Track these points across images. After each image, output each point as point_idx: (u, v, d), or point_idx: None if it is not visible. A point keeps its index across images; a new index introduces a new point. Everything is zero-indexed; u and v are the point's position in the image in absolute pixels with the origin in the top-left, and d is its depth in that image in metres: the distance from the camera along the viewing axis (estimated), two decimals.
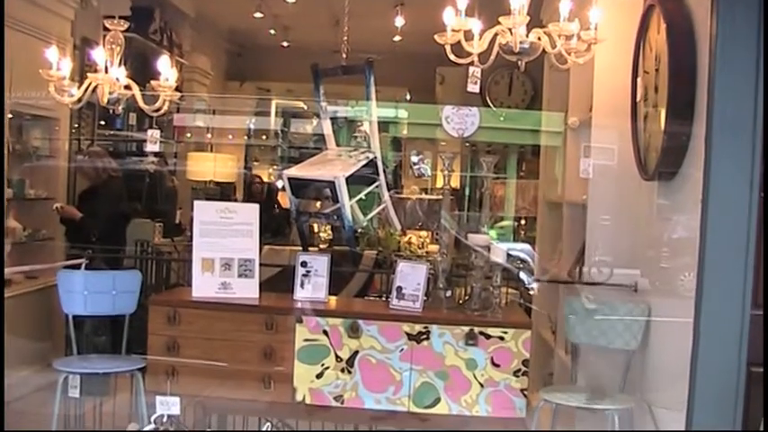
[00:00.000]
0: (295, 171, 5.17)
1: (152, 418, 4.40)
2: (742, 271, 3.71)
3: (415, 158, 9.40)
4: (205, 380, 4.70)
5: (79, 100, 4.98)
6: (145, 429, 4.46)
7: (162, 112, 5.21)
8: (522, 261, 5.33)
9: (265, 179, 10.00)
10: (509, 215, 7.98)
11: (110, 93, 4.93)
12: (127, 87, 5.08)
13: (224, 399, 4.82)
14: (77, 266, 5.56)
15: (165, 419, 4.43)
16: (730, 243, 3.73)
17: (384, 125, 7.03)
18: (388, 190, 5.36)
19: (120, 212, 6.92)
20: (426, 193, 7.92)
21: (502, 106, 8.57)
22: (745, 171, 3.68)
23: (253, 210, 5.07)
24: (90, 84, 4.91)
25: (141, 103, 5.12)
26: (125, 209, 7.08)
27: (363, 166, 5.08)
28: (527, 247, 5.83)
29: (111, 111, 5.59)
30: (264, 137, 10.06)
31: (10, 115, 6.19)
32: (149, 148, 5.69)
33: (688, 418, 3.84)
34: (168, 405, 4.38)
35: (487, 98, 8.60)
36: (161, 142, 7.21)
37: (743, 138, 3.65)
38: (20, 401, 5.51)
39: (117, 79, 4.94)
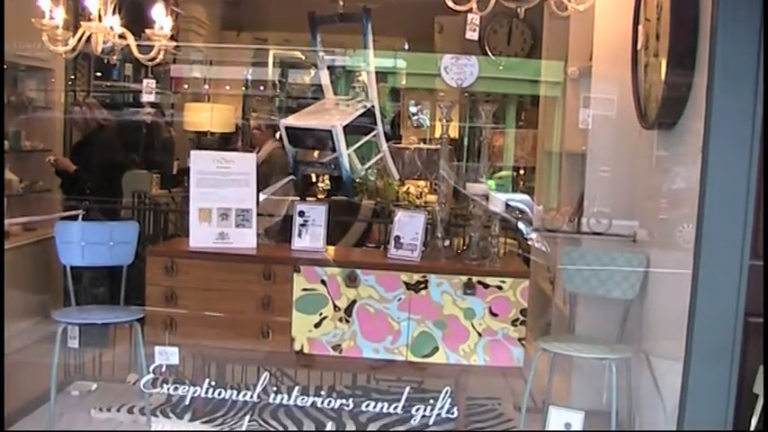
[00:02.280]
0: (292, 120, 5.13)
1: (151, 368, 4.43)
2: (741, 221, 3.70)
3: (413, 109, 9.35)
4: (203, 330, 4.70)
5: (73, 49, 4.93)
6: (144, 379, 4.49)
7: (157, 61, 5.15)
8: (521, 211, 5.31)
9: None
10: (508, 165, 7.96)
11: (104, 42, 4.88)
12: (121, 37, 5.03)
13: (222, 348, 4.84)
14: (74, 218, 5.54)
15: (164, 369, 4.46)
16: (730, 194, 3.71)
17: (382, 75, 6.97)
18: (387, 140, 5.32)
19: (113, 162, 6.89)
20: (425, 143, 7.89)
21: (501, 55, 8.48)
22: (746, 122, 3.65)
23: (250, 159, 5.04)
24: (83, 33, 4.85)
25: (136, 53, 5.07)
26: (118, 159, 7.04)
27: (361, 115, 5.04)
28: (526, 197, 5.82)
29: (106, 61, 5.53)
30: (262, 87, 9.99)
31: (4, 66, 6.13)
32: (145, 98, 5.66)
33: (685, 368, 3.86)
34: (167, 355, 4.41)
35: (486, 47, 8.50)
36: (157, 93, 7.15)
37: (744, 87, 3.62)
38: (20, 353, 5.53)
39: (111, 28, 4.88)
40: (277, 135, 6.86)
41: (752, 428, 3.58)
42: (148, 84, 5.57)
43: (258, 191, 4.97)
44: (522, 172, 7.98)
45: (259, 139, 7.43)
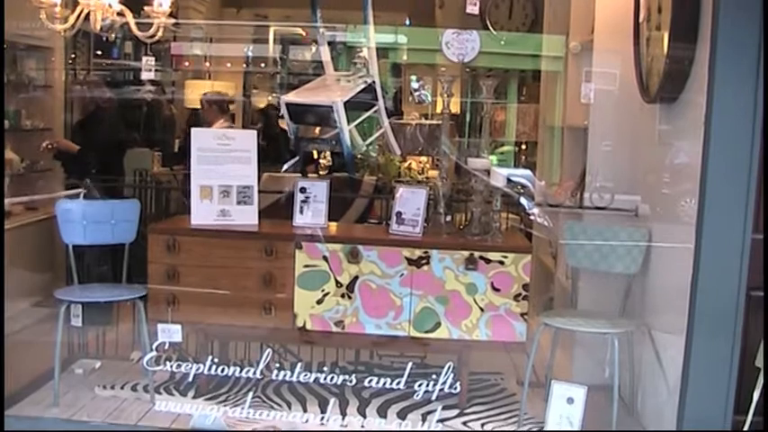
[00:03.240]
0: (293, 96, 5.11)
1: (154, 346, 4.44)
2: (743, 196, 3.70)
3: (415, 85, 9.30)
4: (206, 307, 4.71)
5: (72, 27, 4.92)
6: (147, 357, 4.50)
7: (156, 38, 5.14)
8: (523, 186, 5.30)
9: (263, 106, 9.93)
10: (510, 140, 7.94)
11: (102, 19, 4.87)
12: (120, 14, 5.01)
13: (225, 325, 4.85)
14: (76, 196, 5.54)
15: (167, 346, 4.47)
16: (732, 168, 3.71)
17: (383, 51, 6.93)
18: (389, 116, 5.31)
19: (114, 141, 6.88)
20: (427, 119, 7.86)
21: (502, 30, 8.42)
22: (749, 96, 3.63)
23: (251, 136, 5.03)
24: (82, 10, 4.83)
25: (135, 30, 5.06)
26: (120, 137, 7.03)
27: (361, 90, 5.02)
28: (528, 172, 5.81)
29: (105, 38, 5.51)
30: (263, 64, 9.96)
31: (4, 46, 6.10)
32: (144, 75, 5.62)
33: (687, 342, 3.86)
34: (170, 332, 4.42)
35: (487, 22, 8.46)
36: (158, 71, 7.13)
37: (747, 62, 3.60)
38: (24, 332, 5.56)
39: (109, 5, 4.87)
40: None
41: (754, 402, 3.59)
42: (147, 61, 5.55)
43: None
44: (523, 147, 7.96)
45: (208, 115, 7.03)
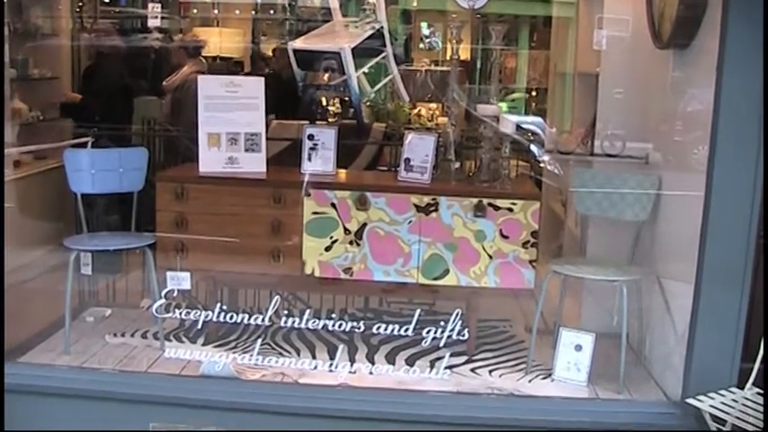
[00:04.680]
0: (300, 43, 5.07)
1: (163, 293, 4.46)
2: (755, 143, 3.67)
3: (426, 31, 9.23)
4: (214, 255, 4.71)
5: None
6: (156, 304, 4.53)
7: None
8: (533, 133, 5.27)
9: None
10: (520, 87, 7.87)
11: None
12: None
13: (234, 273, 4.86)
14: (84, 145, 5.53)
15: (176, 294, 4.50)
16: (743, 115, 3.67)
17: None
18: (398, 63, 5.26)
19: (121, 89, 6.84)
20: (437, 66, 7.81)
21: None
22: (761, 43, 3.59)
23: (258, 83, 4.99)
24: None
25: None
26: (127, 85, 6.99)
27: (369, 36, 4.98)
28: (538, 119, 5.77)
29: None
30: (272, 11, 9.87)
31: None
32: (151, 23, 5.57)
33: (696, 290, 3.86)
34: (179, 280, 4.44)
35: None
36: (165, 18, 7.06)
37: (760, 8, 3.55)
38: (35, 280, 5.58)
39: None
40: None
41: (761, 350, 3.59)
42: (153, 8, 5.49)
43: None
44: (534, 94, 7.91)
45: (177, 57, 6.78)
